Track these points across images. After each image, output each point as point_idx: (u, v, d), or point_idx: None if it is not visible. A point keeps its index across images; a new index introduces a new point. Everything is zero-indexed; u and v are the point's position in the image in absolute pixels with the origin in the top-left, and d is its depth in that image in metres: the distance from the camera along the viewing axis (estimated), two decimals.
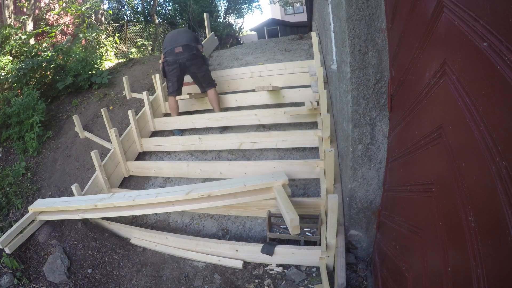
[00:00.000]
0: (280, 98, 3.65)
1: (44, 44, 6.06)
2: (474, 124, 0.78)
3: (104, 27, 8.24)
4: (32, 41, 5.99)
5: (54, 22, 7.98)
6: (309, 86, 3.51)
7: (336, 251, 1.95)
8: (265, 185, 2.32)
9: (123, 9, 12.07)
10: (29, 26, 6.82)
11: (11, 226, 2.93)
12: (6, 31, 5.21)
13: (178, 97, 3.86)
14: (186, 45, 3.57)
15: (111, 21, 9.51)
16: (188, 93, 3.90)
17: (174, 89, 3.76)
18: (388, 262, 1.63)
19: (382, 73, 1.66)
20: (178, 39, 3.63)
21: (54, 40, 7.05)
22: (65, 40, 6.67)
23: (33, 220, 2.69)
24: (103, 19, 8.76)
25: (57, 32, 7.22)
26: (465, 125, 0.83)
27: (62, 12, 7.90)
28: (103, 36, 7.50)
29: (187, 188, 2.49)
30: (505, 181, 0.65)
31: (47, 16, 7.75)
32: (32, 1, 6.90)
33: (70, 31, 8.13)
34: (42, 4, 7.75)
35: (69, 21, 8.25)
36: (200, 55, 3.68)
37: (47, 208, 2.70)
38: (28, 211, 2.70)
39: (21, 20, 6.63)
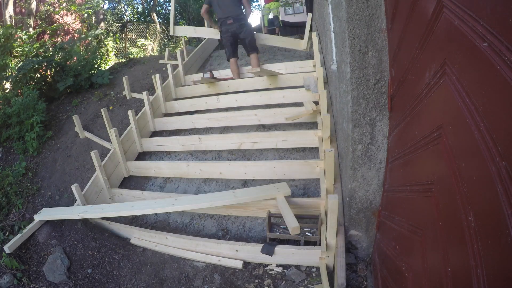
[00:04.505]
0: (280, 98, 3.66)
1: (48, 42, 6.07)
2: (474, 124, 0.78)
3: (104, 28, 8.25)
4: (32, 41, 5.99)
5: (55, 22, 7.99)
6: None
7: (336, 251, 1.95)
8: (268, 197, 2.41)
9: (123, 9, 12.08)
10: (30, 26, 6.83)
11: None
12: (7, 31, 5.21)
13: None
14: (235, 17, 4.03)
15: (111, 21, 9.52)
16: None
17: (231, 53, 4.20)
18: (388, 262, 1.63)
19: (382, 73, 1.66)
20: (228, 10, 4.02)
21: (57, 40, 7.06)
22: (67, 39, 6.68)
23: (33, 220, 2.70)
24: (102, 17, 8.77)
25: (58, 31, 7.22)
26: (465, 125, 0.83)
27: (62, 12, 7.91)
28: (103, 37, 7.50)
29: (172, 201, 2.56)
30: (505, 181, 0.65)
31: (47, 16, 7.75)
32: (33, 1, 6.90)
33: (71, 30, 8.14)
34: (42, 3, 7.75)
35: (70, 21, 8.26)
36: (246, 23, 4.12)
37: (52, 217, 2.72)
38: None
39: (21, 20, 6.64)
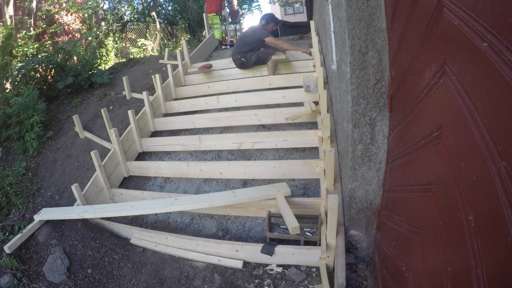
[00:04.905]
0: (280, 98, 3.66)
1: (48, 42, 6.07)
2: (474, 124, 0.78)
3: (104, 28, 8.25)
4: (32, 41, 5.99)
5: (55, 22, 7.99)
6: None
7: (336, 251, 1.95)
8: (268, 197, 2.41)
9: (123, 9, 12.07)
10: (30, 26, 6.83)
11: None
12: (7, 32, 5.21)
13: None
14: (237, 59, 4.39)
15: (111, 21, 9.52)
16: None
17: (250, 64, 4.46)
18: (388, 262, 1.63)
19: (382, 73, 1.66)
20: (236, 49, 4.43)
21: (57, 40, 7.06)
22: (67, 39, 6.68)
23: (33, 220, 2.69)
24: (103, 19, 8.78)
25: (59, 31, 7.22)
26: (465, 125, 0.83)
27: (63, 12, 7.91)
28: (103, 36, 7.50)
29: (172, 201, 2.57)
30: (505, 181, 0.65)
31: (47, 17, 7.75)
32: (34, 1, 6.90)
33: (71, 30, 8.14)
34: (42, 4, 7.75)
35: (70, 21, 8.26)
36: (247, 56, 4.29)
37: (52, 217, 2.71)
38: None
39: (21, 20, 6.64)
